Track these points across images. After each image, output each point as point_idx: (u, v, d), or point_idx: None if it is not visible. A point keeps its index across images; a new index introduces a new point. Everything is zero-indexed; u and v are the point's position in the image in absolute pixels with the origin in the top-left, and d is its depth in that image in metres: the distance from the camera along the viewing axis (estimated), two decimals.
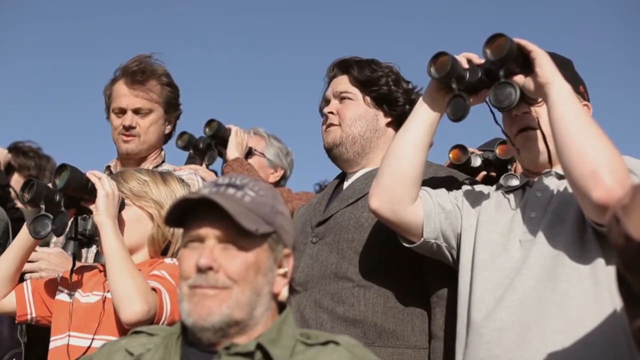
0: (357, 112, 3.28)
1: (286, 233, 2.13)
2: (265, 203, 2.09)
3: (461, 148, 3.78)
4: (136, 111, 3.92)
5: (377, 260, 3.03)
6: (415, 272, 3.02)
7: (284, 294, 2.14)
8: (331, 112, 3.32)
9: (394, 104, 3.30)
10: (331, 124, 3.31)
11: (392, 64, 3.36)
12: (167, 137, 4.12)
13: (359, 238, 3.07)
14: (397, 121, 3.26)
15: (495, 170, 3.74)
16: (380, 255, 3.02)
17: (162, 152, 4.09)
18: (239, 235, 2.03)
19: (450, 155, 3.78)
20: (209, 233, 2.05)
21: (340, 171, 3.42)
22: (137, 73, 3.91)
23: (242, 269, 2.03)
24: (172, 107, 4.01)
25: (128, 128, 3.91)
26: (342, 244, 3.08)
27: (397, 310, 3.00)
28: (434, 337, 2.97)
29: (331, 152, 3.32)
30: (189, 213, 2.09)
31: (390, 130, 3.29)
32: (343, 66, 3.36)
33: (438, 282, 2.98)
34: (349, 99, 3.31)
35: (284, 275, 2.14)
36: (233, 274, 2.03)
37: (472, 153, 3.78)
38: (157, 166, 3.97)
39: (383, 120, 3.31)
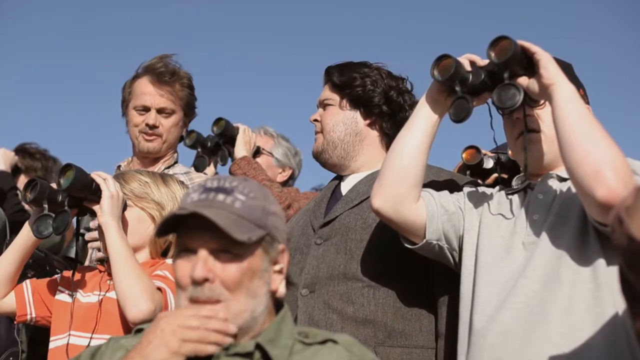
0: (336, 118, 3.33)
1: (279, 231, 2.11)
2: (256, 206, 2.07)
3: (474, 149, 3.78)
4: (160, 111, 3.93)
5: (386, 260, 3.03)
6: (423, 273, 3.02)
7: (281, 290, 2.13)
8: (316, 120, 3.40)
9: (369, 104, 3.31)
10: (316, 132, 3.39)
11: (381, 63, 3.38)
12: (179, 139, 4.16)
13: (368, 238, 3.06)
14: (379, 122, 3.30)
15: (507, 172, 3.74)
16: (389, 256, 3.02)
17: (176, 154, 4.11)
18: (232, 243, 2.00)
19: (464, 156, 3.78)
20: (202, 244, 2.03)
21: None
22: (165, 74, 3.92)
23: (237, 277, 2.02)
24: (191, 111, 4.05)
25: (152, 127, 3.92)
26: (351, 245, 3.07)
27: (406, 310, 3.00)
28: (441, 336, 2.97)
29: (318, 159, 3.39)
30: (181, 221, 2.06)
31: (374, 132, 3.33)
32: (326, 73, 3.41)
33: (445, 282, 2.97)
34: (330, 105, 3.36)
35: (280, 271, 2.12)
36: (228, 284, 2.01)
37: (485, 155, 3.79)
38: (169, 166, 4.00)
39: (362, 122, 3.33)
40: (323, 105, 3.38)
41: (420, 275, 3.02)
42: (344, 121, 3.32)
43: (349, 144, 3.30)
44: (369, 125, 3.32)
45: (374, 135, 3.32)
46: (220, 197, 2.05)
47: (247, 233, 2.00)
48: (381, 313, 2.98)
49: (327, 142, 3.32)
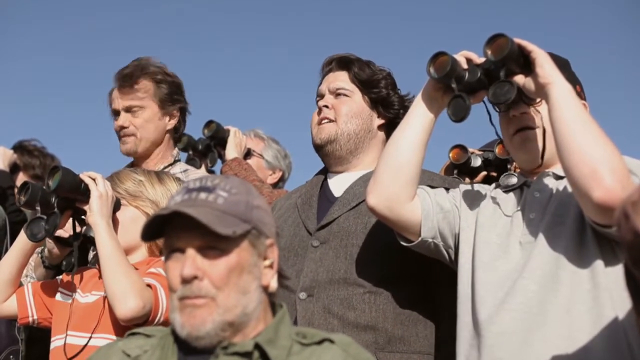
0: (354, 110, 3.26)
1: (266, 225, 2.12)
2: (239, 201, 2.08)
3: (461, 148, 3.79)
4: (128, 110, 3.93)
5: (387, 266, 3.00)
6: (422, 278, 3.01)
7: (273, 285, 2.13)
8: (326, 106, 3.28)
9: (390, 107, 3.28)
10: (326, 118, 3.26)
11: (387, 68, 3.36)
12: (175, 132, 4.09)
13: (368, 243, 3.03)
14: (389, 125, 3.26)
15: (495, 170, 3.75)
16: (390, 261, 2.99)
17: (175, 151, 4.10)
18: (217, 239, 2.02)
19: (451, 155, 3.79)
20: (188, 243, 2.05)
21: (322, 169, 3.38)
22: (126, 76, 3.93)
23: (225, 273, 2.03)
24: (168, 102, 3.98)
25: (121, 128, 3.93)
26: (351, 249, 3.03)
27: (404, 316, 2.99)
28: (443, 342, 2.96)
29: (323, 148, 3.27)
30: (166, 224, 2.07)
31: (381, 134, 3.29)
32: (343, 62, 3.33)
33: (446, 287, 2.92)
34: (345, 95, 3.28)
35: (270, 266, 2.13)
36: (217, 281, 2.02)
37: (472, 153, 3.79)
38: (167, 166, 3.98)
39: (376, 121, 3.29)
40: (335, 93, 3.30)
41: (420, 280, 3.01)
42: (362, 116, 3.26)
43: (360, 139, 3.24)
44: (380, 126, 3.29)
45: (380, 137, 3.28)
46: (203, 195, 2.07)
47: (231, 227, 2.02)
48: (382, 319, 2.96)
49: (341, 132, 3.23)
